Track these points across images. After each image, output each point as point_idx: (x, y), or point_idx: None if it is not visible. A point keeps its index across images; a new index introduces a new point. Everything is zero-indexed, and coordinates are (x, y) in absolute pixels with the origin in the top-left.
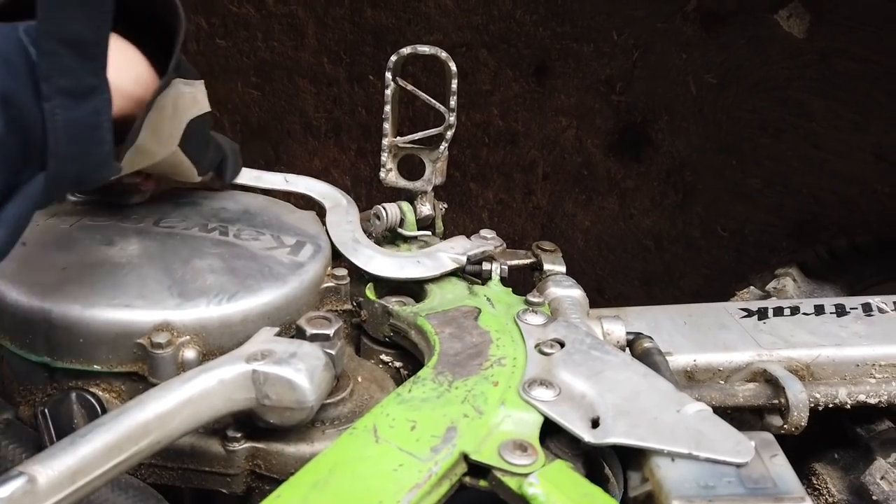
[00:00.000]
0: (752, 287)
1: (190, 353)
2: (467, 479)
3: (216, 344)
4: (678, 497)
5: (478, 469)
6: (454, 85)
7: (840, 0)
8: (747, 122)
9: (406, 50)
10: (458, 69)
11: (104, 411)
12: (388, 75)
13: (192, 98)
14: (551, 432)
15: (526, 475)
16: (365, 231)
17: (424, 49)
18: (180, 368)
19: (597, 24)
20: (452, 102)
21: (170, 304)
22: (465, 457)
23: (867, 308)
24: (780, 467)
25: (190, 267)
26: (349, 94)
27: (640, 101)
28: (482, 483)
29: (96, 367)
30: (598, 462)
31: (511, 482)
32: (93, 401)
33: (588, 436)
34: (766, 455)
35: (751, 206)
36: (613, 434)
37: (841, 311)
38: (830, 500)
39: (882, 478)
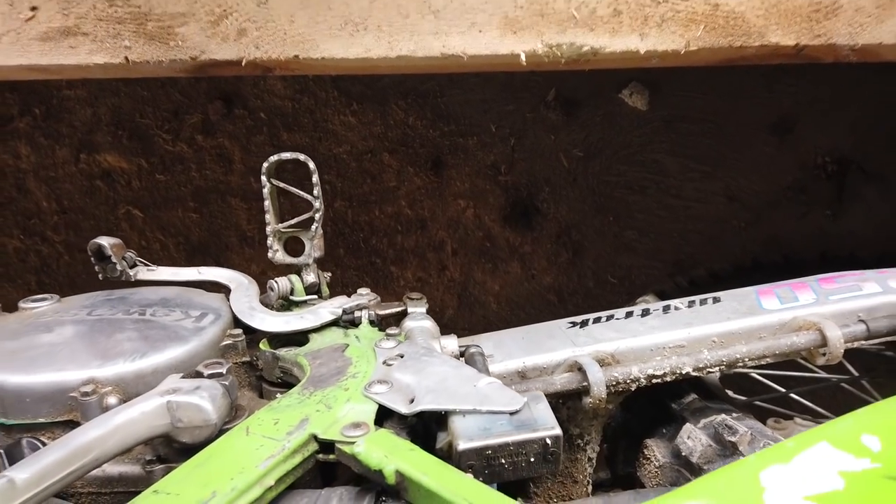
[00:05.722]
0: None
1: (112, 399)
2: (321, 456)
3: (133, 392)
4: (463, 438)
5: (327, 447)
6: (315, 178)
7: (670, 77)
8: (615, 184)
9: (274, 157)
10: (366, 172)
11: None
12: (263, 178)
13: None
14: (388, 416)
15: (355, 442)
16: (266, 302)
17: (287, 155)
18: (105, 411)
19: (476, 120)
20: (316, 191)
21: (94, 365)
22: (315, 437)
23: (667, 308)
24: (543, 411)
25: (112, 339)
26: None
27: (523, 179)
28: (331, 457)
29: (41, 420)
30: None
31: (346, 449)
32: (40, 445)
33: (405, 409)
34: (534, 405)
35: (632, 254)
36: (421, 404)
37: (646, 313)
38: (657, 464)
39: (688, 437)
